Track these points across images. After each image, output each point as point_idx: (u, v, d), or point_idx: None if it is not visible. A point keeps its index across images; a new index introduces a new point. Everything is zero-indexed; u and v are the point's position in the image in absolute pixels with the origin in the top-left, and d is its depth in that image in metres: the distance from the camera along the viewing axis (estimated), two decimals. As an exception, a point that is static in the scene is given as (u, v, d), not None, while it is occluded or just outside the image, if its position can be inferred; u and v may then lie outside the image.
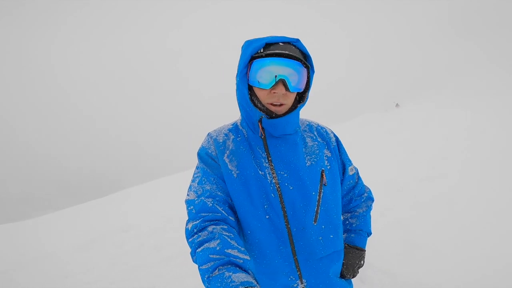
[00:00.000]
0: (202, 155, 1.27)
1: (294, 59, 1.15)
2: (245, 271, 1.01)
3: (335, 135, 1.39)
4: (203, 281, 1.02)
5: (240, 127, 1.29)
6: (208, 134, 1.31)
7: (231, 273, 0.96)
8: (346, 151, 1.42)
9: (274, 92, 1.15)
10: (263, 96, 1.17)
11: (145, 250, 4.24)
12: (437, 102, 11.47)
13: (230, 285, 0.93)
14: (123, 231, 4.94)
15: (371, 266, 2.75)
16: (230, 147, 1.24)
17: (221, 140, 1.26)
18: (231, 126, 1.32)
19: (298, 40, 1.19)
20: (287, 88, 1.15)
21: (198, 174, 1.25)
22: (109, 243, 4.52)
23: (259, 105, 1.20)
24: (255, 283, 0.98)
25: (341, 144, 1.39)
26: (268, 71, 1.13)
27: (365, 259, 2.86)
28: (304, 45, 1.21)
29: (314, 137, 1.33)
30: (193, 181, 1.25)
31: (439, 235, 3.13)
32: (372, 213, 4.07)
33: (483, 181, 4.13)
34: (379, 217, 3.58)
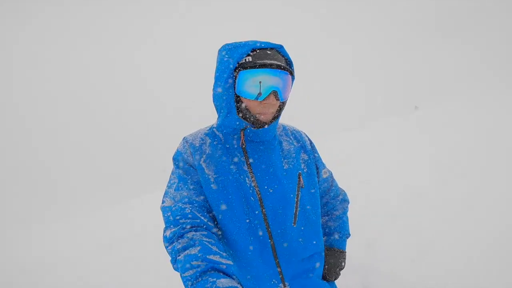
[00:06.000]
0: (178, 160, 1.24)
1: (284, 70, 1.13)
2: (229, 276, 1.01)
3: (309, 138, 1.40)
4: None
5: (217, 132, 1.27)
6: (184, 138, 1.28)
7: (215, 279, 0.96)
8: (320, 155, 1.42)
9: (265, 103, 1.15)
10: (253, 107, 1.16)
11: (158, 255, 4.28)
12: (459, 104, 11.06)
13: None
14: (137, 235, 5.03)
15: (377, 271, 2.66)
16: (207, 152, 1.22)
17: (197, 145, 1.24)
18: (207, 130, 1.29)
19: (282, 46, 1.18)
20: (278, 99, 1.15)
21: (174, 180, 1.23)
22: (123, 247, 4.61)
23: (247, 114, 1.18)
24: (240, 287, 0.98)
25: (315, 147, 1.40)
26: (260, 83, 1.11)
27: (372, 265, 2.79)
28: (287, 51, 1.19)
29: (291, 141, 1.33)
30: (169, 187, 1.22)
31: (453, 240, 3.00)
32: (382, 217, 3.89)
33: (505, 186, 3.91)
34: (390, 222, 3.47)
